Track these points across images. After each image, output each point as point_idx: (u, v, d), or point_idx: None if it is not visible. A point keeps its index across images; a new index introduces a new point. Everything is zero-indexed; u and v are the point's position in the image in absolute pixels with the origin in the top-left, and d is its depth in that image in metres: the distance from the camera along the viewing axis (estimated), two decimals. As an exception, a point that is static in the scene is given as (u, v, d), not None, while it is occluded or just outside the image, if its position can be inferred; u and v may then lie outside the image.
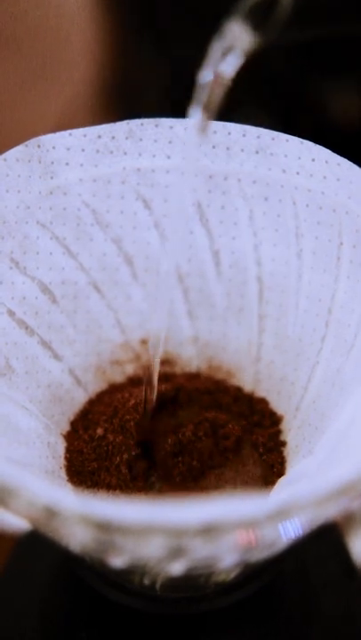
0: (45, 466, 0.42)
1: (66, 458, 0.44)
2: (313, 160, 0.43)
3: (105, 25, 0.82)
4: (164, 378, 0.47)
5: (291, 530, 0.31)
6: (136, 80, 0.74)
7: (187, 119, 0.44)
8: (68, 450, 0.44)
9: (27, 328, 0.44)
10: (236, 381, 0.48)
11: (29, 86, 0.74)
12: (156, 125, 0.45)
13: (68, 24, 0.81)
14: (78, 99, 0.73)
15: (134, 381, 0.48)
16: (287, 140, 0.44)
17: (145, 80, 0.73)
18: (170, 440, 0.44)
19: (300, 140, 0.44)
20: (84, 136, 0.44)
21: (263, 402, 0.46)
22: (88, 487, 0.43)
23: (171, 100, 0.67)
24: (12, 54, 0.76)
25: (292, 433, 0.45)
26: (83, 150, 0.44)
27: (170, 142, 0.45)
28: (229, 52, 0.35)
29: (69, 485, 0.42)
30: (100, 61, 0.78)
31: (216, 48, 0.35)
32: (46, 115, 0.70)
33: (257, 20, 0.33)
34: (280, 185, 0.44)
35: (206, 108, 0.36)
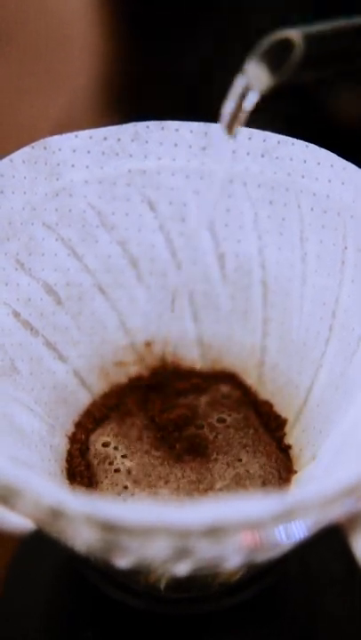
0: (48, 468, 0.42)
1: (67, 460, 0.44)
2: (318, 164, 0.44)
3: (106, 26, 0.82)
4: (169, 379, 0.47)
5: (296, 531, 0.31)
6: (137, 80, 0.75)
7: (192, 122, 0.45)
8: (69, 453, 0.44)
9: (32, 329, 0.44)
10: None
11: (32, 87, 0.74)
12: (162, 128, 0.45)
13: (70, 26, 0.81)
14: (80, 99, 0.73)
15: (137, 383, 0.48)
16: (293, 144, 0.44)
17: (146, 80, 0.73)
18: (181, 440, 0.44)
19: (306, 143, 0.44)
20: (90, 138, 0.45)
21: (267, 405, 0.46)
22: (88, 490, 0.43)
23: (171, 100, 0.67)
24: (14, 55, 0.76)
25: (296, 436, 0.45)
26: (88, 152, 0.45)
27: (175, 145, 0.45)
28: (248, 91, 0.37)
29: (70, 488, 0.42)
30: (102, 62, 0.78)
31: (237, 85, 0.37)
32: (48, 115, 0.70)
33: (273, 61, 0.35)
34: (285, 188, 0.45)
35: (229, 129, 0.39)
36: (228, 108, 0.38)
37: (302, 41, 0.35)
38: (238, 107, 0.38)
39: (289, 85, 0.36)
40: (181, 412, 0.45)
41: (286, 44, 0.35)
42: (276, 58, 0.35)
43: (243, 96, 0.37)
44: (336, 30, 0.36)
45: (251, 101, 0.37)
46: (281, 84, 0.36)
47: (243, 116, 0.38)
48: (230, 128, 0.39)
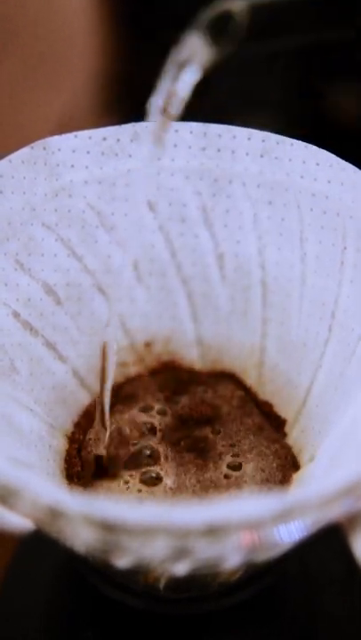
0: (47, 468, 0.42)
1: (66, 460, 0.44)
2: (317, 164, 0.44)
3: (106, 26, 0.82)
4: (169, 380, 0.48)
5: (295, 531, 0.31)
6: (137, 81, 0.75)
7: (191, 123, 0.45)
8: (68, 453, 0.44)
9: (31, 329, 0.44)
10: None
11: (32, 88, 0.74)
12: None
13: (70, 26, 0.81)
14: (79, 99, 0.73)
15: (136, 384, 0.48)
16: (292, 144, 0.44)
17: (145, 81, 0.73)
18: (187, 438, 0.44)
19: (305, 144, 0.44)
20: (90, 138, 0.45)
21: (267, 405, 0.46)
22: (86, 490, 0.43)
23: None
24: (15, 56, 0.76)
25: (295, 437, 0.45)
26: (88, 152, 0.45)
27: (175, 145, 0.45)
28: (186, 66, 0.35)
29: (69, 488, 0.42)
30: (101, 62, 0.78)
31: (173, 60, 0.35)
32: (49, 116, 0.70)
33: (214, 34, 0.33)
34: (284, 189, 0.45)
35: (164, 113, 0.36)
36: (162, 88, 0.35)
37: (246, 12, 0.33)
38: (173, 89, 0.35)
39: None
40: (206, 411, 0.45)
41: (229, 15, 0.33)
42: (219, 30, 0.33)
43: (178, 75, 0.34)
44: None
45: (188, 80, 0.34)
46: (222, 57, 0.33)
47: (179, 100, 0.35)
48: (166, 111, 0.35)
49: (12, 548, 0.47)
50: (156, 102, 0.35)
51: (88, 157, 0.45)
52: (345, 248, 0.43)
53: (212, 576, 0.39)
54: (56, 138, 0.44)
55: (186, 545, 0.30)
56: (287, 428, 0.46)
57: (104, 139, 0.45)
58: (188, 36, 0.33)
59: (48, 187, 0.44)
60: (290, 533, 0.31)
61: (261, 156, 0.45)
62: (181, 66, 0.34)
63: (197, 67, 0.34)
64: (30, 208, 0.44)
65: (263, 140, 0.44)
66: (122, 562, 0.32)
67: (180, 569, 0.32)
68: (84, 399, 0.46)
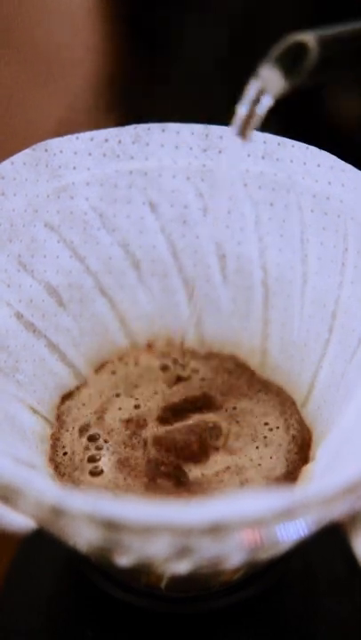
0: (48, 469, 0.42)
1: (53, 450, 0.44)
2: (318, 166, 0.44)
3: (106, 28, 0.82)
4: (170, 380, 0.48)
5: (297, 529, 0.32)
6: (138, 82, 0.75)
7: (193, 124, 0.45)
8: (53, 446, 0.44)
9: (34, 330, 0.44)
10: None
11: (32, 89, 0.74)
12: (163, 130, 0.45)
13: (71, 26, 0.82)
14: (81, 101, 0.74)
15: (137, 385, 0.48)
16: (293, 146, 0.44)
17: (147, 82, 0.74)
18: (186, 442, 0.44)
19: (306, 145, 0.44)
20: (91, 140, 0.45)
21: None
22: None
23: (172, 102, 0.67)
24: (16, 57, 0.77)
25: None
26: (90, 154, 0.45)
27: (176, 147, 0.45)
28: (262, 94, 0.37)
29: (69, 487, 0.42)
30: (102, 64, 0.78)
31: (251, 89, 0.37)
32: (50, 117, 0.70)
33: (288, 65, 0.35)
34: (286, 190, 0.45)
35: (242, 133, 0.39)
36: (241, 112, 0.38)
37: (317, 44, 0.35)
38: (252, 111, 0.38)
39: (302, 88, 0.36)
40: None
41: (301, 48, 0.35)
42: (291, 61, 0.35)
43: (256, 100, 0.37)
44: (351, 32, 0.36)
45: (264, 106, 0.38)
46: (295, 86, 0.36)
47: (256, 121, 0.38)
48: (244, 133, 0.39)
49: (14, 547, 0.47)
50: (235, 125, 0.39)
51: (90, 159, 0.45)
52: (346, 249, 0.43)
53: (214, 575, 0.39)
54: (57, 140, 0.44)
55: (188, 543, 0.30)
56: (288, 429, 0.46)
57: (106, 140, 0.45)
58: (262, 66, 0.36)
59: (50, 188, 0.44)
60: (292, 532, 0.31)
61: (263, 158, 0.45)
62: (258, 93, 0.37)
63: (271, 95, 0.37)
64: (32, 209, 0.44)
65: (264, 142, 0.44)
66: (124, 560, 0.33)
67: (182, 567, 0.32)
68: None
